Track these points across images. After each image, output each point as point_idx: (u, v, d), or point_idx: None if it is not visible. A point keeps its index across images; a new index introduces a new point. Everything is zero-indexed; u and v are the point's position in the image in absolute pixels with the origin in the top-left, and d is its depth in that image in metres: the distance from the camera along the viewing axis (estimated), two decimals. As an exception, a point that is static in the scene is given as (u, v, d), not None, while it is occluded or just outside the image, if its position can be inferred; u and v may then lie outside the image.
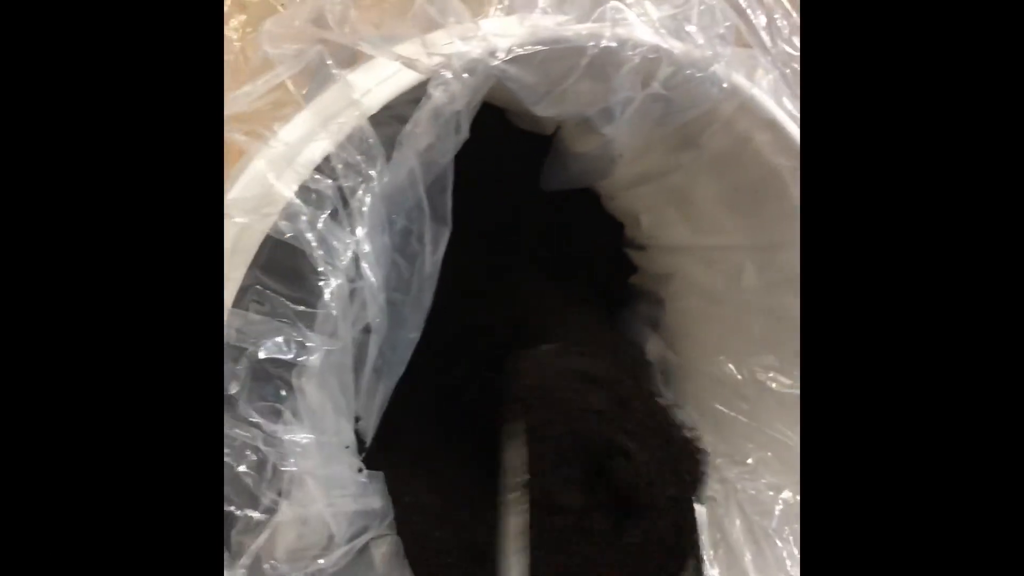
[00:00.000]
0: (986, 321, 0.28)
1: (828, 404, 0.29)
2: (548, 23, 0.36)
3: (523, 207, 0.53)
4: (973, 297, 0.28)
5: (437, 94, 0.31)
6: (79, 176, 0.26)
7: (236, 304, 0.33)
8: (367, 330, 0.36)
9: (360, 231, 0.33)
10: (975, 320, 0.28)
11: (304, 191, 0.33)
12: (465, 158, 0.44)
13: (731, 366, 0.49)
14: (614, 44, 0.33)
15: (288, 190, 0.33)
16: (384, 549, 0.43)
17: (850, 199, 0.29)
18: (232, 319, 0.33)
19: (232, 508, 0.33)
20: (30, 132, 0.25)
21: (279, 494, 0.34)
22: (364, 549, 0.42)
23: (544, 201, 0.52)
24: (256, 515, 0.33)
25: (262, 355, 0.33)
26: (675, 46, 0.36)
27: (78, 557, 0.25)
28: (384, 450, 0.46)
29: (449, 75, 0.31)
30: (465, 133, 0.36)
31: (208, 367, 0.28)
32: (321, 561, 0.37)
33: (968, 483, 0.28)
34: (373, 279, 0.34)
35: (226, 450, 0.33)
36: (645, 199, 0.50)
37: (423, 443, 0.53)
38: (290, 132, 0.34)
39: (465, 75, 0.31)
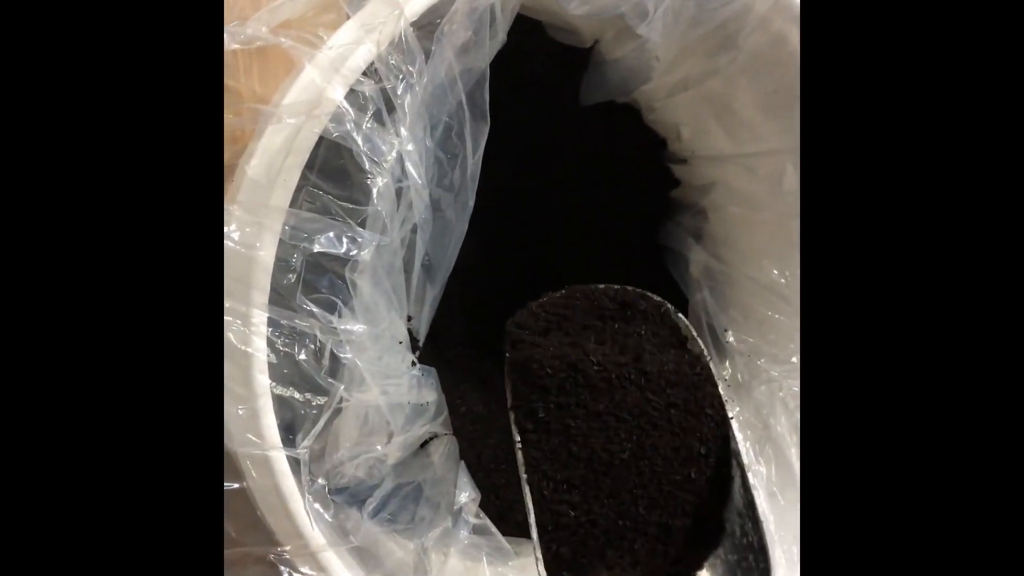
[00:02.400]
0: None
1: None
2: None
3: (566, 128, 0.54)
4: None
5: (470, -12, 0.32)
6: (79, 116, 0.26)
7: (291, 205, 0.35)
8: (415, 230, 0.38)
9: (403, 131, 0.35)
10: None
11: (351, 95, 0.35)
12: (508, 80, 0.46)
13: (774, 270, 0.50)
14: (641, -63, 0.34)
15: (336, 93, 0.34)
16: (442, 449, 0.45)
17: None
18: (288, 217, 0.35)
19: (294, 394, 0.36)
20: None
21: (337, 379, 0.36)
22: (423, 448, 0.45)
23: (587, 122, 0.54)
24: (317, 399, 0.36)
25: (316, 249, 0.35)
26: (704, -59, 0.37)
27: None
28: (436, 363, 0.48)
29: (481, -31, 0.32)
30: (502, 38, 0.38)
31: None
32: (380, 448, 0.39)
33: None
34: (418, 177, 0.35)
35: (285, 339, 0.35)
36: (685, 109, 0.50)
37: (470, 359, 0.55)
38: (337, 39, 0.36)
39: (496, -31, 0.32)
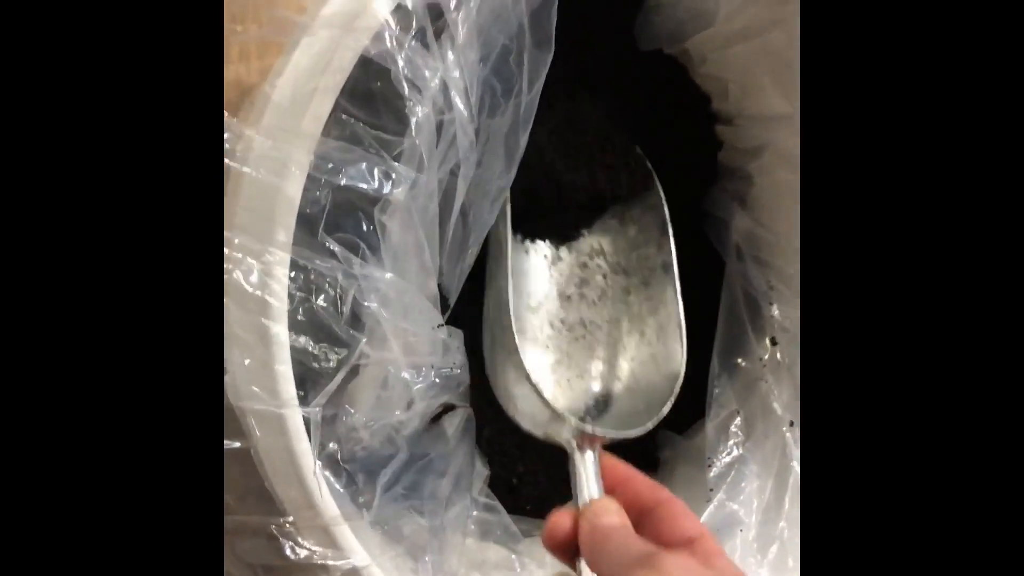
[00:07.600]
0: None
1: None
2: None
3: (612, 72, 0.50)
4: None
5: None
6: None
7: (323, 133, 0.31)
8: (454, 173, 0.34)
9: (451, 55, 0.31)
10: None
11: (398, 11, 0.31)
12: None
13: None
14: None
15: (381, 6, 0.30)
16: (457, 422, 0.41)
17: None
18: (316, 147, 0.30)
19: (308, 345, 0.32)
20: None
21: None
22: (436, 421, 0.41)
23: (634, 70, 0.49)
24: (334, 353, 0.32)
25: (344, 182, 0.30)
26: None
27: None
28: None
29: None
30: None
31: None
32: (399, 413, 0.35)
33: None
34: (463, 108, 0.31)
35: (301, 283, 0.31)
36: (739, 63, 0.46)
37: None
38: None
39: None
